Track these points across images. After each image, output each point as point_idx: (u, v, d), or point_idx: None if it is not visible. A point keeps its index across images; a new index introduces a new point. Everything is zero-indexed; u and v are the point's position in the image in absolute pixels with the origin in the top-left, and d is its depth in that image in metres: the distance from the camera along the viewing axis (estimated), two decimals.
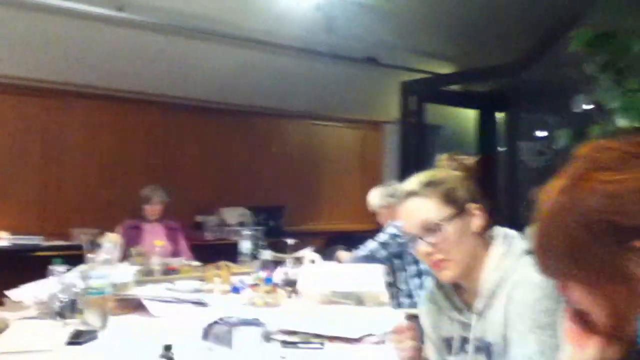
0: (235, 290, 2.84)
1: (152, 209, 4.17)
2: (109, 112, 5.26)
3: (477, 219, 1.30)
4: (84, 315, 2.09)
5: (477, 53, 6.06)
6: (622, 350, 0.76)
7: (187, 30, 5.03)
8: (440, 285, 1.40)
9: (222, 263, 3.29)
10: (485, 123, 7.13)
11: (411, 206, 1.32)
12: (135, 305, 2.43)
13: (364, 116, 6.86)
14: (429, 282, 1.50)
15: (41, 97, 4.92)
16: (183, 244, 4.27)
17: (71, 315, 2.12)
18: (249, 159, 6.06)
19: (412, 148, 6.34)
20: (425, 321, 1.44)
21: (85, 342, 1.91)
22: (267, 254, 3.25)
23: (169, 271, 3.25)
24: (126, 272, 2.78)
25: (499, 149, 6.79)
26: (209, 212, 5.68)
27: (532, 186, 0.83)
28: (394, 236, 3.22)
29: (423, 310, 1.46)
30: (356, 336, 1.97)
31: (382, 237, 3.29)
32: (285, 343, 1.93)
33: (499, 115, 6.98)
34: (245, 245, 3.57)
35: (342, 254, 3.49)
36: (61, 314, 2.14)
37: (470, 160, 1.40)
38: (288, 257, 3.28)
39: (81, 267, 2.28)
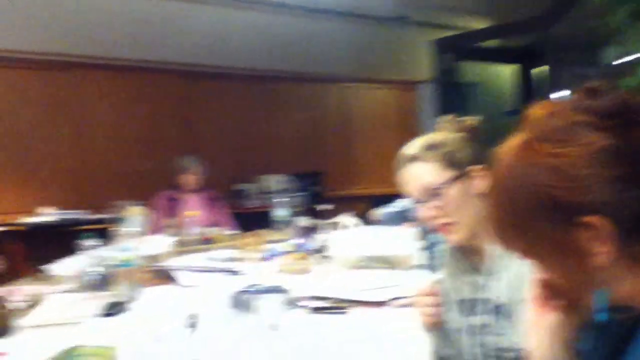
0: (268, 257, 2.85)
1: (188, 179, 4.20)
2: (137, 84, 5.27)
3: (479, 181, 1.26)
4: (114, 288, 2.13)
5: (507, 7, 5.79)
6: (579, 320, 0.77)
7: None
8: (451, 249, 1.38)
9: (255, 232, 3.30)
10: (521, 79, 6.88)
11: (412, 171, 1.31)
12: (167, 276, 2.47)
13: (397, 76, 6.68)
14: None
15: (67, 70, 4.93)
16: (224, 213, 4.29)
17: (102, 288, 2.18)
18: (286, 125, 6.03)
19: (448, 107, 6.12)
20: (442, 284, 1.41)
21: (116, 313, 1.96)
22: (302, 221, 3.24)
23: (204, 241, 3.29)
24: (159, 243, 2.82)
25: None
26: (250, 180, 5.71)
27: None
28: None
29: (440, 274, 1.44)
30: (384, 299, 1.95)
31: None
32: (311, 309, 1.92)
33: (535, 71, 6.72)
34: (281, 212, 3.55)
35: (374, 212, 3.44)
36: (93, 287, 2.19)
37: (471, 121, 1.35)
38: (322, 223, 3.26)
39: (110, 241, 2.33)
